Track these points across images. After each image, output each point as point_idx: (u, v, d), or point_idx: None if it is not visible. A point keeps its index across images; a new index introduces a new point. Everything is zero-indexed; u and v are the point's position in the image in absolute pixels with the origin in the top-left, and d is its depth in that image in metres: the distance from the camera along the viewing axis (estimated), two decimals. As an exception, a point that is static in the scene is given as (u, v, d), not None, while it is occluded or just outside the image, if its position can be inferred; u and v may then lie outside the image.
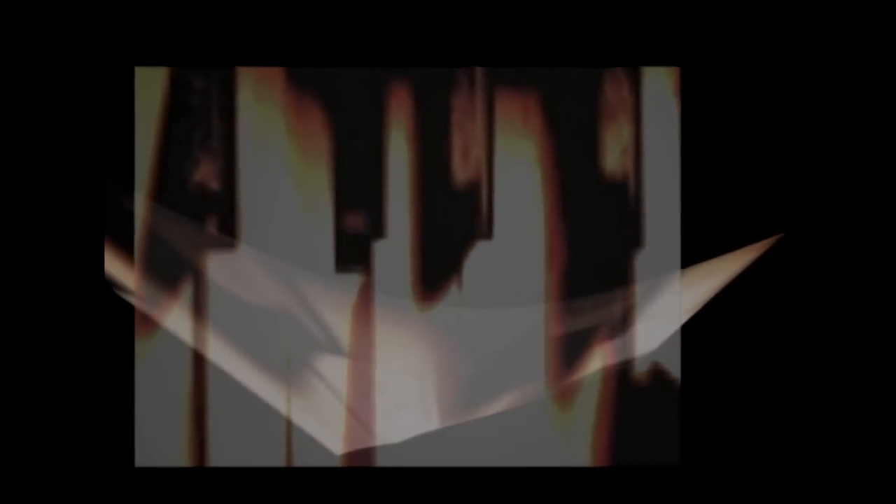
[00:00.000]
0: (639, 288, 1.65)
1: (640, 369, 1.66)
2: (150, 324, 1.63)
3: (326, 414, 1.65)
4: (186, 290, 1.63)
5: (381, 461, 1.64)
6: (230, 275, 1.63)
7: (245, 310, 1.64)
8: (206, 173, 1.64)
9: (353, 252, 1.64)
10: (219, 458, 1.63)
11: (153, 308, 1.62)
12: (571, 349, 1.65)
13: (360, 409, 1.65)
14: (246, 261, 1.64)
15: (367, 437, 1.64)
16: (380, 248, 1.64)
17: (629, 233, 1.66)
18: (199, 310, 1.64)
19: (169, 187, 1.63)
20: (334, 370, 1.65)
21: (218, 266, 1.64)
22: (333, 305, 1.64)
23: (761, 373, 1.62)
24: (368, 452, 1.64)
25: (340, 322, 1.64)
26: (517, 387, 1.65)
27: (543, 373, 1.65)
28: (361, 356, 1.65)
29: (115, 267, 1.62)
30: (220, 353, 1.63)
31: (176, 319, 1.63)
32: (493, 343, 1.66)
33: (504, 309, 1.65)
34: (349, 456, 1.63)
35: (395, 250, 1.65)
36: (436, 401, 1.65)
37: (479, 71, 1.66)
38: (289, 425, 1.64)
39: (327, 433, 1.64)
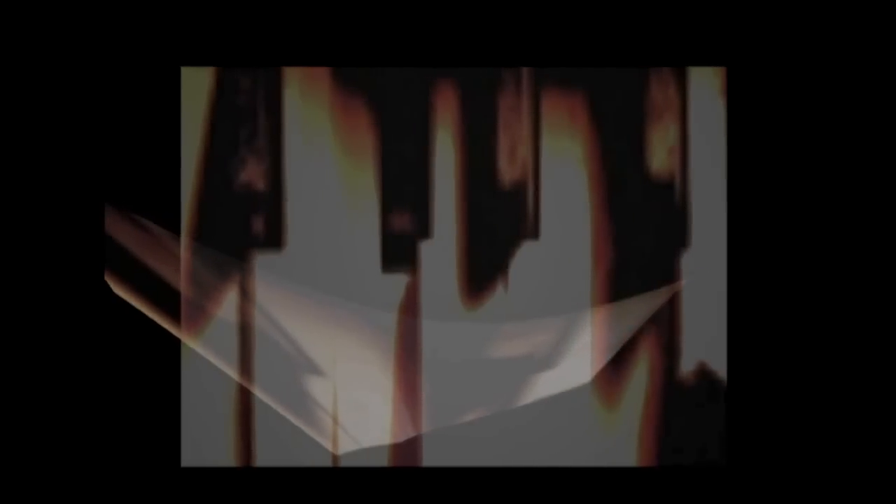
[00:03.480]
0: (563, 320, 1.65)
1: (686, 369, 1.66)
2: (197, 325, 1.63)
3: (371, 412, 1.65)
4: (231, 294, 1.64)
5: (427, 461, 1.64)
6: (275, 278, 1.64)
7: (290, 313, 1.64)
8: (252, 173, 1.63)
9: (399, 252, 1.64)
10: (265, 458, 1.63)
11: (197, 313, 1.63)
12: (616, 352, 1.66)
13: (405, 406, 1.65)
14: (290, 265, 1.64)
15: (412, 432, 1.64)
16: (426, 249, 1.64)
17: (675, 232, 1.66)
18: (244, 311, 1.64)
19: (215, 187, 1.63)
20: (378, 371, 1.65)
21: (262, 269, 1.64)
22: (379, 306, 1.65)
23: (808, 373, 1.62)
24: (415, 451, 1.64)
25: (385, 324, 1.65)
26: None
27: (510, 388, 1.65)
28: (407, 355, 1.65)
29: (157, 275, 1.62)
30: (264, 358, 1.64)
31: (221, 321, 1.63)
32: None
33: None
34: (394, 450, 1.64)
35: (442, 251, 1.64)
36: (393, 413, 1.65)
37: (525, 71, 1.65)
38: (335, 425, 1.64)
39: (372, 430, 1.65)
